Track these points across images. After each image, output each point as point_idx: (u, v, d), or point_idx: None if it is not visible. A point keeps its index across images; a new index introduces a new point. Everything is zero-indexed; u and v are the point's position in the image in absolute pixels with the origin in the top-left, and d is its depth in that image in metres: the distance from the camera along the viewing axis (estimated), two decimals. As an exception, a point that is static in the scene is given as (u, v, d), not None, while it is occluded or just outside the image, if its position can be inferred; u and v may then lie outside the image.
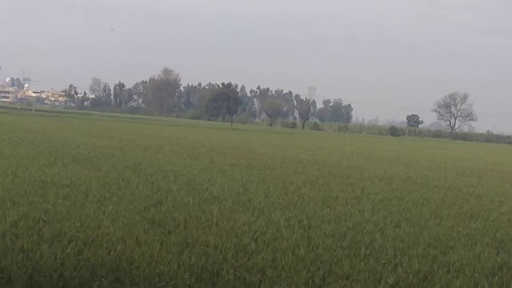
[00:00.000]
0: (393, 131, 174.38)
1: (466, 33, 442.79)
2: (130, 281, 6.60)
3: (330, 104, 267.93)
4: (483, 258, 8.90)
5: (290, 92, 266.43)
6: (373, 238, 9.77)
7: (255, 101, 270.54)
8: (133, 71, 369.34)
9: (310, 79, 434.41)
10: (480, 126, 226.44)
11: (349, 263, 7.98)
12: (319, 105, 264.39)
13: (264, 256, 8.02)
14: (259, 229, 9.79)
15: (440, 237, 10.30)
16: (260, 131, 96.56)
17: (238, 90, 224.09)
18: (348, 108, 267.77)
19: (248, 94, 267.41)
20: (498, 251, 9.52)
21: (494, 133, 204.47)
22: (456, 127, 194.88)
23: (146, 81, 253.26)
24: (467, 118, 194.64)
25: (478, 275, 7.90)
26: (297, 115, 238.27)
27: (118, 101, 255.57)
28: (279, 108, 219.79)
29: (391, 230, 10.65)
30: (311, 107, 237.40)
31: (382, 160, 32.97)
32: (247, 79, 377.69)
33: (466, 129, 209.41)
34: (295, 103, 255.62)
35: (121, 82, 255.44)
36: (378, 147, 60.24)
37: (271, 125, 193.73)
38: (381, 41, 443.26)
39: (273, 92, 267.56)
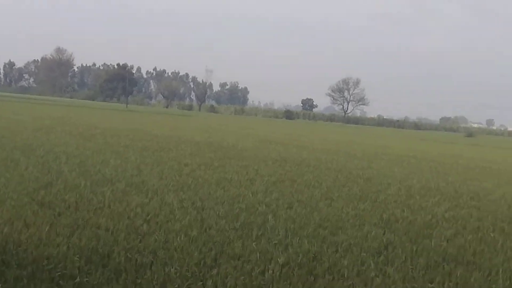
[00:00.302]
0: (289, 115, 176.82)
1: (357, 18, 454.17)
2: (17, 264, 6.42)
3: (227, 87, 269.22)
4: (370, 238, 9.19)
5: (187, 74, 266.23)
6: (266, 219, 9.90)
7: (151, 83, 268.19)
8: (24, 49, 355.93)
9: (207, 61, 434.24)
10: (372, 111, 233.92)
11: (241, 244, 8.06)
12: (216, 87, 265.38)
13: (156, 237, 7.99)
14: (152, 211, 9.73)
15: (330, 218, 10.55)
16: (156, 113, 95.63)
17: (134, 71, 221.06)
18: (245, 91, 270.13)
19: (144, 76, 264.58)
20: (385, 231, 9.84)
21: (384, 117, 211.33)
22: (348, 111, 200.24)
23: (38, 60, 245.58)
24: (359, 103, 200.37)
25: (365, 254, 8.15)
26: (193, 98, 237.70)
27: (8, 80, 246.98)
28: (175, 90, 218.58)
29: (283, 211, 10.82)
30: (208, 90, 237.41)
31: (276, 143, 33.36)
32: (143, 60, 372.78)
33: (358, 113, 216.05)
34: (192, 85, 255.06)
35: (11, 60, 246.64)
36: (274, 130, 60.91)
37: (167, 107, 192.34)
38: (277, 25, 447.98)
39: (169, 74, 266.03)
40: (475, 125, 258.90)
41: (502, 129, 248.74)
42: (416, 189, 16.06)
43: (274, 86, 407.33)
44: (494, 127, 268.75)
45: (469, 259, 8.45)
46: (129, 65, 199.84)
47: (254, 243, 8.12)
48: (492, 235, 10.31)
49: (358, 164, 22.81)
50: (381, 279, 7.02)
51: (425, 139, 78.04)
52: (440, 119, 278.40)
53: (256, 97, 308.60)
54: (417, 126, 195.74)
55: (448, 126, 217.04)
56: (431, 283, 7.07)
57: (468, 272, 7.72)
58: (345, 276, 7.05)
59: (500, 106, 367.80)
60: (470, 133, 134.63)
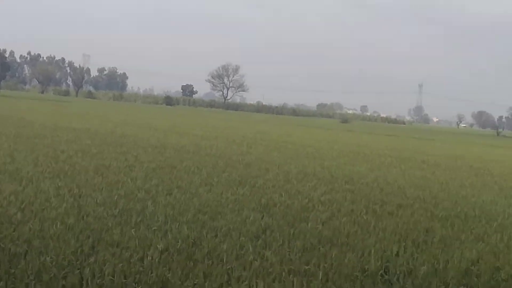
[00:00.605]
0: (169, 101, 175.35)
1: (240, 7, 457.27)
2: None
3: (105, 72, 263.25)
4: (249, 222, 9.31)
5: (63, 59, 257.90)
6: (145, 205, 9.84)
7: (26, 67, 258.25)
8: None
9: (84, 46, 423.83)
10: (251, 97, 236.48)
11: (120, 230, 7.97)
12: (94, 73, 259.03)
13: (31, 226, 7.77)
14: (27, 199, 9.45)
15: (210, 203, 10.61)
16: (31, 99, 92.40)
17: (7, 55, 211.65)
18: (123, 76, 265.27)
19: (18, 60, 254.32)
20: (263, 216, 9.99)
21: (263, 103, 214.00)
22: (228, 97, 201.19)
23: None
24: (239, 89, 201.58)
25: (243, 238, 8.26)
26: (70, 83, 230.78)
27: None
28: (51, 75, 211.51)
29: (163, 197, 10.79)
30: (85, 75, 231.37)
31: (156, 129, 33.13)
32: (17, 44, 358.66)
33: (238, 99, 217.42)
34: (69, 70, 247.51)
35: None
36: (153, 116, 60.40)
37: (42, 92, 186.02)
38: (157, 11, 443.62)
39: (44, 58, 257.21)
40: (350, 111, 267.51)
41: (376, 115, 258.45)
42: (293, 174, 16.41)
43: (154, 72, 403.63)
44: (368, 113, 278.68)
45: (343, 240, 8.74)
46: (1, 48, 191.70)
47: (133, 230, 8.05)
48: (365, 217, 10.70)
49: (237, 150, 23.03)
50: (259, 263, 7.14)
51: (303, 125, 79.73)
52: (317, 105, 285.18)
53: (136, 83, 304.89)
54: (295, 112, 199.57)
55: (325, 112, 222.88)
56: (307, 265, 7.26)
57: (342, 253, 7.98)
58: (224, 260, 7.11)
59: (373, 92, 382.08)
60: (345, 119, 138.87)
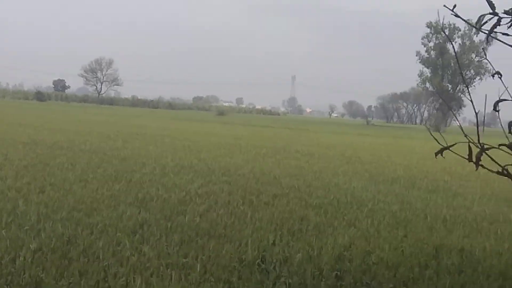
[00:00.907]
0: (40, 96, 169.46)
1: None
2: None
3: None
4: (126, 218, 9.20)
5: None
6: (16, 205, 9.51)
7: None
8: None
9: None
10: (126, 91, 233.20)
11: (-10, 232, 7.69)
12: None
13: None
14: None
15: (85, 200, 10.41)
16: None
17: None
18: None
19: None
20: (140, 210, 9.90)
21: (139, 97, 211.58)
22: (102, 92, 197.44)
23: None
24: (113, 83, 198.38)
25: (120, 234, 8.15)
26: None
27: None
28: None
29: (35, 195, 10.49)
30: None
31: (27, 126, 32.03)
32: None
33: (112, 94, 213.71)
34: None
35: None
36: (23, 112, 58.38)
37: None
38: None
39: None
40: (226, 104, 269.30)
41: (251, 107, 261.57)
42: (170, 167, 16.35)
43: (23, 66, 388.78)
44: (244, 105, 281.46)
45: (220, 232, 8.81)
46: None
47: (3, 230, 7.77)
48: (241, 208, 10.83)
49: (112, 145, 22.68)
50: (137, 258, 7.08)
51: (179, 118, 79.43)
52: (193, 99, 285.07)
53: (4, 79, 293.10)
54: (171, 106, 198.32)
55: (201, 105, 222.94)
56: (185, 258, 7.26)
57: (220, 244, 8.05)
58: (101, 257, 7.00)
59: (248, 84, 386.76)
60: (221, 112, 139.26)
